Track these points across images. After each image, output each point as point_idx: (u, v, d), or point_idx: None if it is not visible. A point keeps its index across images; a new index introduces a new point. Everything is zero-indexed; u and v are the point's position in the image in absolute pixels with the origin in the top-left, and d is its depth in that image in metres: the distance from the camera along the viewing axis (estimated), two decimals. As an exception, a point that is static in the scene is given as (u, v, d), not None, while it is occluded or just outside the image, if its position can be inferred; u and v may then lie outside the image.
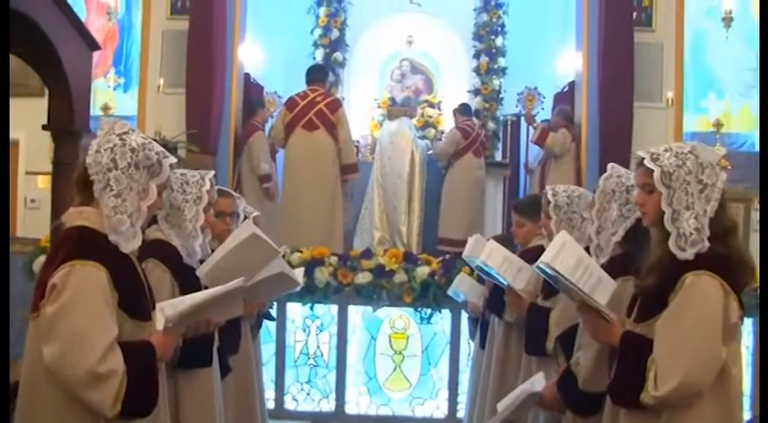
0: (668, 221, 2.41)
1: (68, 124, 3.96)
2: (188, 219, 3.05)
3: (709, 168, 2.44)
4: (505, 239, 4.20)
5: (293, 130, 7.29)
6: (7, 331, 2.25)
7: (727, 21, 7.39)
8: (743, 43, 7.91)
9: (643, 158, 2.48)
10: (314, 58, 9.84)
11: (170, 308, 2.54)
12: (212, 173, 3.20)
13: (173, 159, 2.51)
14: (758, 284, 5.22)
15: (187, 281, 3.02)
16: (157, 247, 3.03)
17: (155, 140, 2.62)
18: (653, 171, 2.43)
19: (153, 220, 3.04)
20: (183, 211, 3.06)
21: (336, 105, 7.39)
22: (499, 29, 10.08)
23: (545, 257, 2.58)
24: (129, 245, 2.41)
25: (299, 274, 4.28)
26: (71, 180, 2.51)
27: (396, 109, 8.77)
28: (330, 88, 8.82)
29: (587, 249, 2.91)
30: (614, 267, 2.78)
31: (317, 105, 7.26)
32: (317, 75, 7.61)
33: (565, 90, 8.79)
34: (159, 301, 2.66)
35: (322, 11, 10.03)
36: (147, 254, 2.94)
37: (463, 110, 8.83)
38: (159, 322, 2.52)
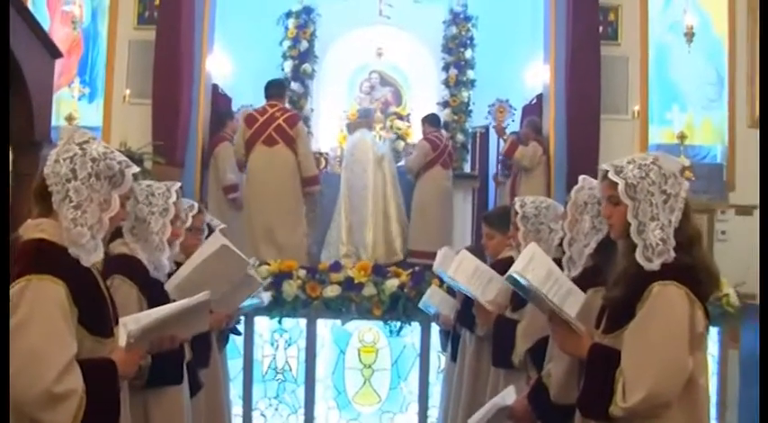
0: (634, 233, 2.41)
1: (29, 134, 3.88)
2: (154, 231, 3.01)
3: (672, 178, 2.45)
4: (476, 251, 4.17)
5: (254, 145, 7.32)
6: (7, 329, 2.14)
7: (689, 36, 7.50)
8: (705, 58, 8.06)
9: (607, 171, 2.49)
10: (282, 70, 9.89)
11: (134, 323, 2.47)
12: (178, 184, 3.16)
13: (135, 169, 2.45)
14: (722, 293, 5.33)
15: (155, 295, 2.96)
16: (123, 262, 2.97)
17: (119, 151, 2.56)
18: (617, 184, 2.44)
19: (118, 234, 2.99)
20: (150, 224, 3.01)
21: (295, 120, 7.44)
22: (468, 41, 10.12)
23: (516, 267, 2.58)
24: (90, 258, 2.33)
25: (265, 296, 4.22)
26: (31, 192, 2.44)
27: (354, 122, 8.76)
28: (300, 99, 8.89)
29: (558, 261, 2.91)
30: (586, 279, 2.79)
31: (276, 121, 7.31)
32: (275, 90, 7.66)
33: (533, 102, 8.87)
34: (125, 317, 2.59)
35: (291, 22, 10.03)
36: (112, 269, 2.89)
37: (431, 120, 8.82)
38: (122, 338, 2.44)
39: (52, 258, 2.27)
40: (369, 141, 8.27)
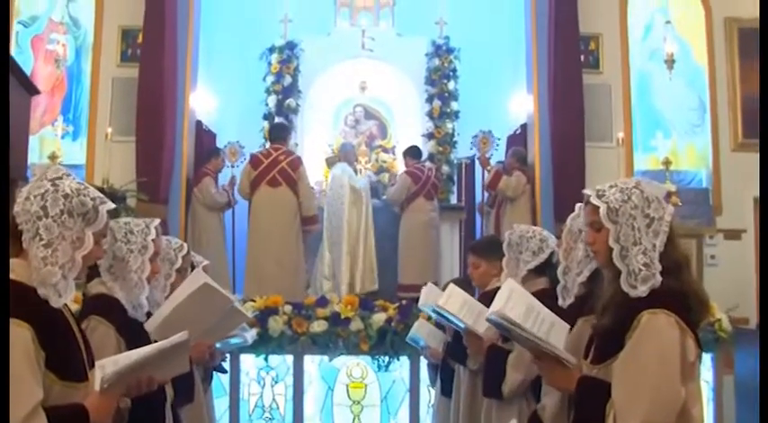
0: (617, 258, 2.37)
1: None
2: (133, 270, 2.93)
3: (655, 202, 2.41)
4: (464, 282, 4.16)
5: (258, 186, 7.65)
6: (7, 334, 2.08)
7: (670, 63, 7.63)
8: (686, 84, 8.18)
9: (590, 196, 2.46)
10: (266, 105, 9.83)
11: (112, 365, 2.36)
12: (157, 221, 3.09)
13: (110, 205, 2.36)
14: (714, 318, 5.29)
15: (134, 336, 2.89)
16: (100, 302, 2.90)
17: (101, 190, 2.51)
18: (600, 208, 2.40)
19: (97, 274, 2.93)
20: (128, 262, 2.94)
21: (298, 163, 7.74)
22: (451, 73, 10.09)
23: (494, 307, 2.53)
24: (60, 299, 2.23)
25: (249, 335, 4.19)
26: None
27: (332, 157, 8.91)
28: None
29: (548, 292, 2.94)
30: (576, 308, 2.77)
31: (280, 164, 7.64)
32: (279, 133, 8.02)
33: (517, 132, 8.91)
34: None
35: (274, 57, 9.96)
36: (89, 310, 2.83)
37: (412, 152, 8.81)
38: (98, 382, 2.33)
39: (19, 300, 2.17)
40: (346, 176, 8.30)
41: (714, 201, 7.96)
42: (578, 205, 2.90)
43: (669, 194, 6.86)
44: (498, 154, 8.77)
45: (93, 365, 2.39)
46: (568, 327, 2.64)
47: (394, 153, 10.17)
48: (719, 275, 7.00)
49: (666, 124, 8.23)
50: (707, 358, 5.62)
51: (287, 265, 7.47)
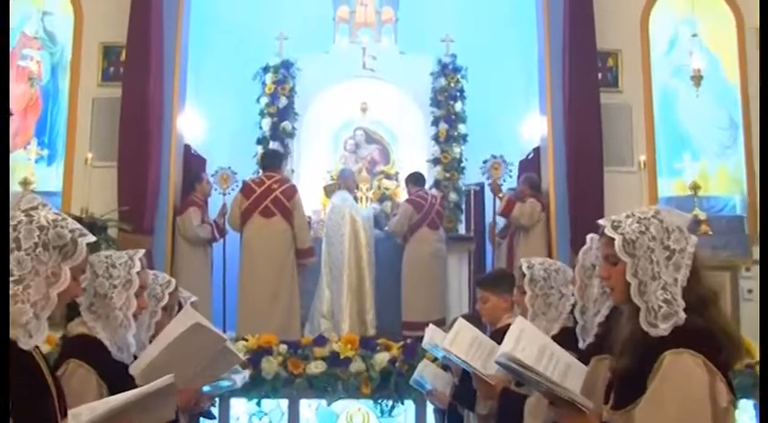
0: (635, 294, 2.34)
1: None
2: (117, 306, 2.92)
3: (676, 232, 2.39)
4: (474, 319, 4.14)
5: (250, 216, 7.69)
6: (7, 332, 2.10)
7: (697, 79, 7.56)
8: (715, 102, 8.11)
9: (604, 227, 2.45)
10: (260, 128, 9.82)
11: (88, 412, 2.31)
12: (142, 252, 3.09)
13: (90, 238, 2.33)
14: (753, 359, 5.14)
15: (118, 381, 2.84)
16: (80, 344, 2.88)
17: (79, 219, 2.50)
18: (615, 240, 2.38)
19: (77, 313, 2.92)
20: (112, 299, 2.93)
21: (292, 192, 7.79)
22: (458, 94, 10.04)
23: (504, 348, 2.51)
24: (31, 340, 2.18)
25: (238, 378, 4.19)
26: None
27: (331, 184, 8.91)
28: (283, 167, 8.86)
29: (571, 330, 2.92)
30: (596, 348, 2.77)
31: (274, 193, 7.71)
32: (272, 160, 8.10)
33: (530, 156, 8.89)
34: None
35: (269, 77, 9.94)
36: (68, 352, 2.81)
37: (414, 179, 8.83)
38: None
39: None
40: (346, 205, 8.33)
41: (750, 229, 7.86)
42: (590, 237, 2.92)
43: (698, 223, 6.84)
44: (511, 180, 8.76)
45: (65, 414, 2.33)
46: (586, 369, 2.63)
47: (397, 180, 10.11)
48: (758, 311, 6.87)
49: (694, 146, 8.17)
50: (748, 405, 5.45)
51: (281, 302, 7.49)
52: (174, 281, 3.63)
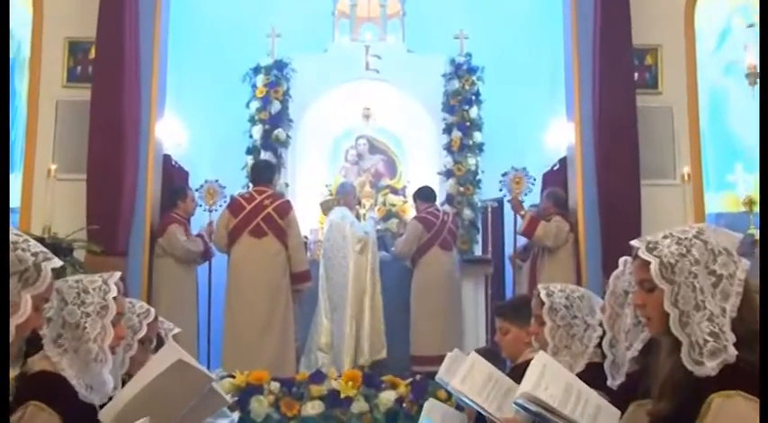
0: (675, 326, 2.29)
1: None
2: (91, 337, 2.89)
3: (724, 255, 2.33)
4: (491, 353, 4.19)
5: (239, 236, 7.69)
6: (8, 336, 2.17)
7: (753, 77, 7.43)
8: (773, 103, 8.05)
9: (638, 249, 2.40)
10: (250, 137, 9.81)
11: None
12: (117, 274, 3.06)
13: (56, 263, 2.35)
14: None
15: (85, 428, 2.84)
16: (42, 383, 2.83)
17: (41, 240, 2.55)
18: (651, 264, 2.33)
19: (37, 346, 2.91)
20: (85, 329, 2.89)
21: (286, 209, 7.82)
22: (473, 98, 10.01)
23: (525, 387, 2.50)
24: None
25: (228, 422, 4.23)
26: None
27: (328, 200, 8.93)
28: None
29: (599, 366, 2.92)
30: (627, 389, 2.76)
31: (265, 209, 7.72)
32: (263, 173, 8.11)
33: (555, 168, 8.86)
34: None
35: (259, 79, 9.91)
36: (27, 393, 2.77)
37: (424, 195, 8.82)
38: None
39: None
40: (347, 223, 8.34)
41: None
42: (623, 260, 2.90)
43: (753, 243, 6.76)
44: (533, 196, 8.76)
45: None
46: (618, 413, 2.61)
47: (405, 195, 10.15)
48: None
49: (748, 155, 8.05)
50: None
51: (274, 333, 7.49)
52: (152, 310, 3.62)
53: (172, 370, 3.04)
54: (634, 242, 2.42)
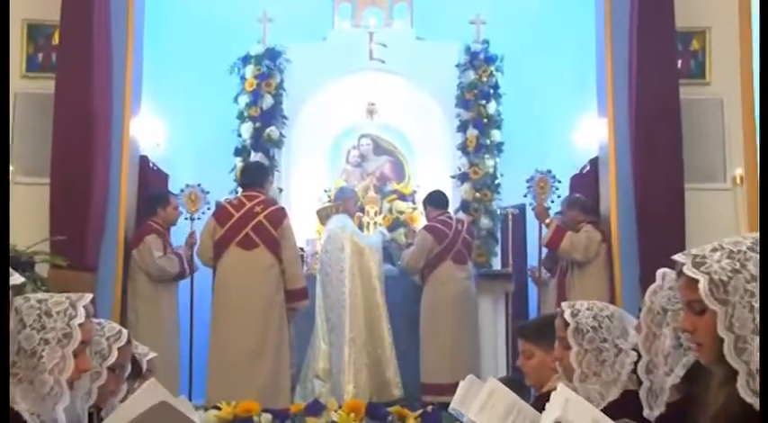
0: (730, 353, 2.19)
1: None
2: (47, 369, 2.79)
3: None
4: (514, 382, 4.09)
5: (226, 248, 7.64)
6: (7, 334, 2.29)
7: (819, 65, 7.51)
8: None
9: (683, 265, 2.30)
10: (239, 136, 9.77)
11: None
12: (88, 297, 2.96)
13: (17, 279, 2.40)
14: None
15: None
16: None
17: None
18: (699, 282, 2.25)
19: None
20: (41, 358, 2.80)
21: (280, 217, 7.75)
22: (491, 91, 9.93)
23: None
24: None
25: None
26: None
27: (326, 207, 8.90)
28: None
29: (634, 394, 2.93)
30: (669, 422, 2.75)
31: (256, 217, 7.64)
32: (254, 177, 8.05)
33: (585, 170, 8.84)
34: None
35: (249, 70, 9.85)
36: None
37: (435, 200, 8.74)
38: None
39: None
40: (346, 233, 8.32)
41: None
42: (660, 273, 2.89)
43: None
44: (560, 201, 8.62)
45: None
46: None
47: (414, 201, 10.08)
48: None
49: (810, 154, 8.15)
50: None
51: (266, 358, 7.46)
52: (125, 332, 3.55)
53: (152, 413, 2.95)
54: (678, 257, 2.35)
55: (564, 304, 3.57)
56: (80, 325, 2.85)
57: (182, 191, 8.63)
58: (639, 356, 2.95)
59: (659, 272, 2.88)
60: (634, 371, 3.10)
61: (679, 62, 7.85)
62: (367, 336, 8.11)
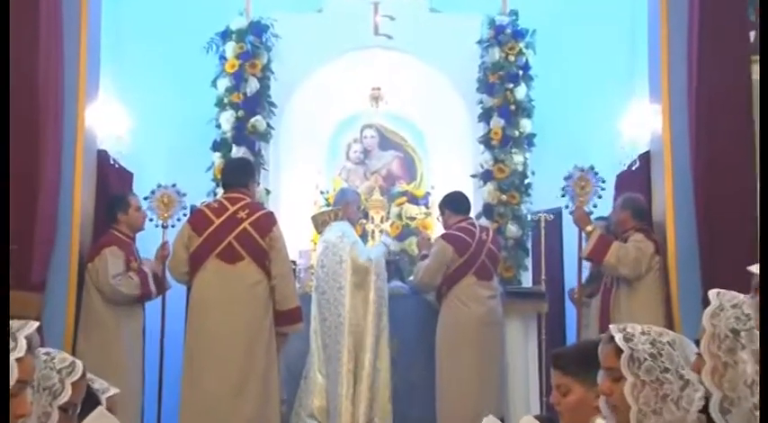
0: None
1: None
2: None
3: None
4: (548, 421, 4.24)
5: (204, 261, 7.55)
6: (7, 335, 2.48)
7: None
8: None
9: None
10: (218, 126, 9.67)
11: None
12: (34, 326, 2.94)
13: None
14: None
15: None
16: None
17: None
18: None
19: None
20: None
21: (269, 224, 7.65)
22: (520, 73, 9.82)
23: None
24: None
25: None
26: None
27: (323, 213, 8.85)
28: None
29: None
30: None
31: (240, 224, 7.55)
32: (236, 175, 7.98)
33: (635, 167, 8.84)
34: None
35: (230, 48, 9.72)
36: None
37: (454, 204, 8.71)
38: None
39: None
40: (346, 244, 8.30)
41: None
42: (713, 294, 2.84)
43: None
44: (604, 205, 8.54)
45: None
46: None
47: (428, 205, 10.02)
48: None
49: None
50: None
51: (250, 393, 7.39)
52: (80, 364, 3.50)
53: None
54: (753, 268, 2.46)
55: (612, 327, 3.45)
56: (18, 360, 2.82)
57: (152, 193, 8.53)
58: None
59: (712, 293, 2.83)
60: (704, 409, 2.93)
61: (752, 35, 7.78)
62: (364, 366, 8.10)
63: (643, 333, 3.35)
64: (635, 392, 3.26)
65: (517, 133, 9.70)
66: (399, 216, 9.90)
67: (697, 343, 2.90)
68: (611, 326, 3.48)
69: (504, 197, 9.55)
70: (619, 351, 3.29)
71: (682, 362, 3.30)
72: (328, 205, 9.40)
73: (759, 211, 6.48)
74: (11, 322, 2.96)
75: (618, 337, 3.32)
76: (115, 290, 7.81)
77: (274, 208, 9.06)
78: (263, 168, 9.67)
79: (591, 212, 8.27)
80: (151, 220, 8.41)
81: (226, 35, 9.74)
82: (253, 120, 9.60)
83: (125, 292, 7.87)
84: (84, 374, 3.55)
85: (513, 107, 9.71)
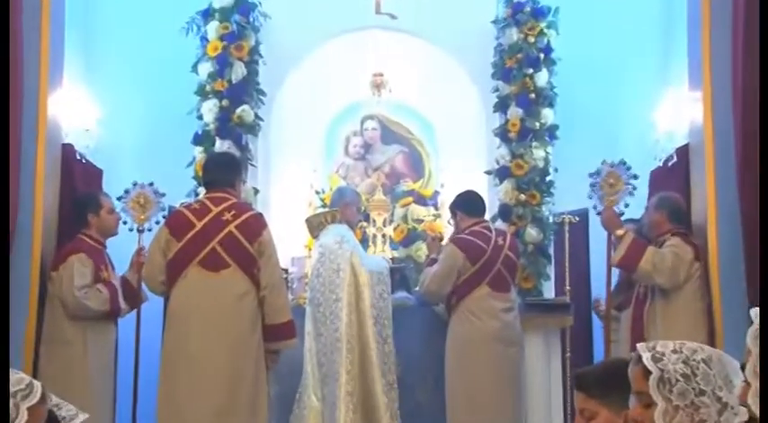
0: None
1: None
2: None
3: None
4: None
5: (184, 269, 7.41)
6: (7, 332, 2.13)
7: None
8: None
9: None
10: (199, 118, 9.62)
11: None
12: None
13: None
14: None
15: None
16: None
17: None
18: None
19: None
20: None
21: (258, 227, 7.53)
22: (541, 56, 9.73)
23: None
24: None
25: None
26: None
27: (319, 215, 8.80)
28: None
29: None
30: None
31: (226, 227, 7.44)
32: (221, 173, 7.84)
33: (671, 163, 8.80)
34: None
35: (212, 28, 9.62)
36: None
37: (467, 205, 8.66)
38: None
39: None
40: (344, 251, 8.30)
41: None
42: (754, 313, 2.94)
43: None
44: (636, 205, 8.45)
45: None
46: None
47: (437, 206, 10.02)
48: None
49: None
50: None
51: (236, 418, 7.27)
52: (38, 386, 3.57)
53: None
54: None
55: (640, 346, 3.46)
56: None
57: (126, 193, 8.50)
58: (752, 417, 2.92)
59: (754, 311, 2.91)
60: None
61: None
62: (365, 388, 8.12)
63: (674, 351, 3.35)
64: (667, 419, 3.26)
65: (537, 125, 9.62)
66: (404, 218, 9.95)
67: (743, 367, 2.98)
68: (639, 345, 3.49)
69: (522, 197, 9.49)
70: (648, 372, 3.30)
71: (719, 382, 3.30)
72: (325, 206, 9.42)
73: (759, 211, 6.67)
74: None
75: (646, 357, 3.33)
76: (80, 303, 7.71)
77: (264, 209, 9.04)
78: (251, 164, 9.62)
79: (621, 214, 8.21)
80: (125, 223, 8.34)
81: (208, 14, 9.67)
82: (239, 110, 9.52)
83: (92, 307, 7.77)
84: (43, 398, 3.54)
85: (532, 95, 9.65)
